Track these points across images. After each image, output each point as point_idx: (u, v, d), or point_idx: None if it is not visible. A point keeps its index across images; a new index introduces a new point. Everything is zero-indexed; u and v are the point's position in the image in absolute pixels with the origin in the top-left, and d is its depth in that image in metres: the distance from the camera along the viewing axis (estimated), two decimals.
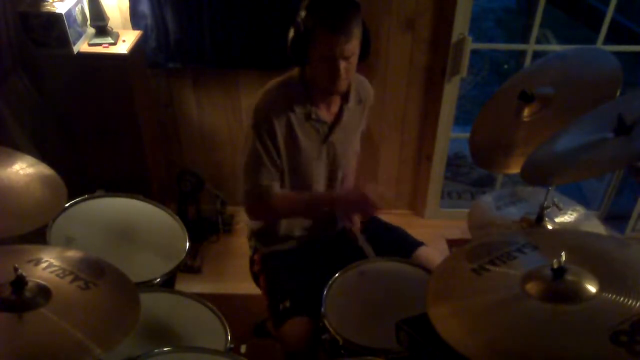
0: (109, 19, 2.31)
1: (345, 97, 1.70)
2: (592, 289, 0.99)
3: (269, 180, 1.65)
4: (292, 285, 1.69)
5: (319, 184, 1.77)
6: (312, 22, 1.49)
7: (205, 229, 2.86)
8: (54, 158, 1.79)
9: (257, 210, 1.74)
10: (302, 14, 1.51)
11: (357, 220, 1.82)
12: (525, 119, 1.55)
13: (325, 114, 1.68)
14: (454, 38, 2.46)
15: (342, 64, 1.51)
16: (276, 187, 1.67)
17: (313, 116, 1.64)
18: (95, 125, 2.46)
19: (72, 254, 1.28)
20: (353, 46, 1.50)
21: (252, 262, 1.90)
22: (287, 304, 1.61)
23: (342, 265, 1.65)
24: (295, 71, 1.64)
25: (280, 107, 1.61)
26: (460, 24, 2.43)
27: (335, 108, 1.70)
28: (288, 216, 1.78)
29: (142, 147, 2.52)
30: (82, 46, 2.25)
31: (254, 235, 1.87)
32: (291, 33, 1.54)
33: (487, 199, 1.76)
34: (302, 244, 1.82)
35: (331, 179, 1.80)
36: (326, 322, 1.46)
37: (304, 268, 1.75)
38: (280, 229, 1.79)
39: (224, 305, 1.58)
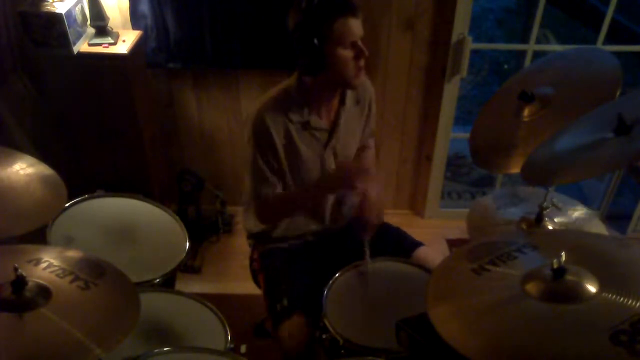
0: (109, 19, 2.30)
1: (342, 100, 1.69)
2: (592, 289, 0.99)
3: (272, 188, 1.65)
4: (290, 284, 1.68)
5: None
6: (326, 15, 1.46)
7: (205, 229, 2.86)
8: (54, 158, 1.79)
9: (268, 215, 1.73)
10: (306, 14, 1.47)
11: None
12: (525, 119, 1.55)
13: (323, 120, 1.67)
14: (454, 38, 2.46)
15: (361, 43, 1.51)
16: (278, 190, 1.66)
17: (311, 124, 1.64)
18: (95, 125, 2.46)
19: (72, 254, 1.28)
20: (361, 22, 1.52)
21: (251, 260, 1.90)
22: (285, 303, 1.61)
23: (341, 263, 1.64)
24: (291, 80, 1.63)
25: (277, 118, 1.59)
26: (460, 24, 2.43)
27: (332, 113, 1.69)
28: (294, 212, 1.75)
29: (142, 147, 2.51)
30: (82, 46, 2.25)
31: (252, 236, 1.87)
32: (300, 39, 1.49)
33: (487, 199, 1.77)
34: (300, 242, 1.82)
35: None
36: (326, 322, 1.46)
37: (302, 266, 1.74)
38: (276, 232, 1.79)
39: (224, 305, 1.58)
